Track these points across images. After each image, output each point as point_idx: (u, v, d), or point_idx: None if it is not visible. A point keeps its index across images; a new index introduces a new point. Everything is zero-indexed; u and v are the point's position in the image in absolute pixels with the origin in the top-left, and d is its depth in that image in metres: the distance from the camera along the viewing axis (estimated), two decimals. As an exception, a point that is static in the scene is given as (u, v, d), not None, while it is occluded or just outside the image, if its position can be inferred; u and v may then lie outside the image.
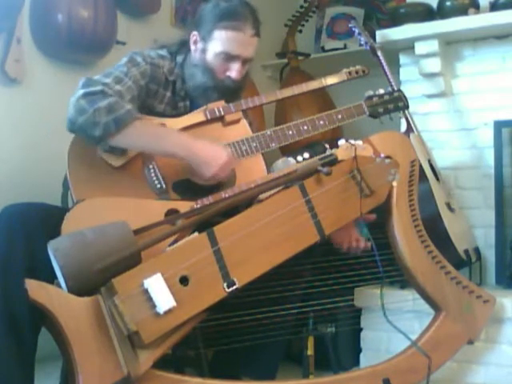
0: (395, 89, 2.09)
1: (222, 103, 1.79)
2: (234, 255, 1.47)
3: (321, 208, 1.61)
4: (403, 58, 2.50)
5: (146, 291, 1.35)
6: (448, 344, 1.74)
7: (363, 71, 1.99)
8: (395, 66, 2.46)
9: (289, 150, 1.89)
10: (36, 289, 1.33)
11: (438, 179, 2.17)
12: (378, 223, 1.80)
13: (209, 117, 1.77)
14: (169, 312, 1.35)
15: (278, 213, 1.56)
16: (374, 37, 2.38)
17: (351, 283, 1.79)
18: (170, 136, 1.65)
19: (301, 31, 3.39)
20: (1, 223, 1.50)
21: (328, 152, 1.70)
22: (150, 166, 1.69)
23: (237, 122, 1.80)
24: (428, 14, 2.40)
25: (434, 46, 2.33)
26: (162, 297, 1.35)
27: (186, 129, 1.74)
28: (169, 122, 1.74)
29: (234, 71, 1.78)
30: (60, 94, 2.37)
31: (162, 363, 1.41)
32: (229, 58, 1.77)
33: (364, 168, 1.69)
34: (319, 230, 1.60)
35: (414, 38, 2.35)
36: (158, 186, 1.67)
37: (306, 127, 1.82)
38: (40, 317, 1.40)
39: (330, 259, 1.77)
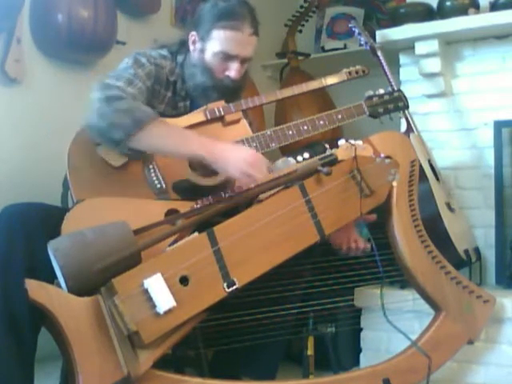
0: (395, 89, 2.09)
1: (222, 103, 1.79)
2: (234, 255, 1.47)
3: (321, 208, 1.61)
4: (403, 58, 2.50)
5: (145, 291, 1.35)
6: (448, 344, 1.74)
7: (363, 71, 1.99)
8: (395, 66, 2.46)
9: (289, 150, 1.89)
10: (36, 289, 1.33)
11: (438, 179, 2.17)
12: (378, 223, 1.80)
13: (209, 117, 1.77)
14: (169, 312, 1.35)
15: (278, 213, 1.56)
16: (374, 37, 2.38)
17: (351, 283, 1.79)
18: (191, 137, 1.62)
19: (301, 31, 3.39)
20: (1, 223, 1.50)
21: (328, 152, 1.70)
22: (150, 166, 1.69)
23: (237, 121, 1.80)
24: (428, 14, 2.40)
25: (433, 46, 2.33)
26: (162, 297, 1.35)
27: (185, 129, 1.74)
28: (169, 121, 1.74)
29: (233, 71, 1.78)
30: (60, 94, 2.39)
31: (162, 363, 1.41)
32: (227, 57, 1.77)
33: (364, 168, 1.69)
34: (319, 229, 1.60)
35: (414, 38, 2.35)
36: (158, 186, 1.67)
37: (305, 127, 1.82)
38: (40, 317, 1.40)
39: (330, 259, 1.77)
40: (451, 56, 2.42)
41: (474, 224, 2.32)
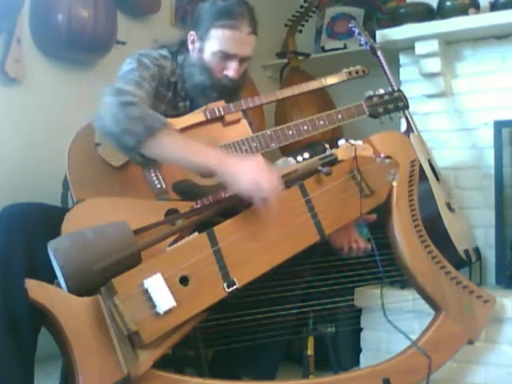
0: (395, 89, 2.09)
1: (221, 103, 1.79)
2: (234, 255, 1.47)
3: (321, 208, 1.61)
4: (403, 58, 2.50)
5: (146, 291, 1.35)
6: (448, 344, 1.74)
7: (363, 71, 1.99)
8: (395, 66, 2.46)
9: (289, 150, 1.89)
10: (36, 289, 1.33)
11: (438, 179, 2.17)
12: (378, 223, 1.80)
13: (209, 117, 1.77)
14: (169, 312, 1.35)
15: (278, 213, 1.56)
16: (374, 37, 2.38)
17: (351, 283, 1.79)
18: (203, 149, 1.56)
19: (301, 31, 3.39)
20: (1, 223, 1.50)
21: (328, 152, 1.70)
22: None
23: (237, 121, 1.80)
24: (428, 14, 2.40)
25: (433, 46, 2.33)
26: (162, 297, 1.35)
27: (186, 129, 1.74)
28: (169, 121, 1.74)
29: (232, 70, 1.78)
30: (60, 94, 2.39)
31: (162, 363, 1.41)
32: (226, 56, 1.77)
33: (364, 168, 1.69)
34: (319, 229, 1.60)
35: (414, 37, 2.35)
36: (158, 186, 1.67)
37: (305, 127, 1.82)
38: (40, 317, 1.40)
39: (330, 259, 1.77)
40: (451, 56, 2.42)
41: (474, 224, 2.32)
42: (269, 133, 1.79)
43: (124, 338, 1.33)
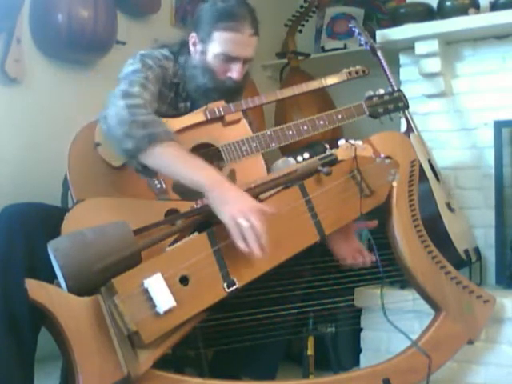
0: (395, 89, 2.08)
1: (222, 103, 1.79)
2: (234, 255, 1.47)
3: (321, 208, 1.61)
4: (403, 58, 2.50)
5: (146, 291, 1.35)
6: (448, 344, 1.74)
7: (363, 71, 1.99)
8: (395, 66, 2.46)
9: (289, 150, 1.89)
10: (36, 288, 1.33)
11: (438, 179, 2.17)
12: (378, 223, 1.80)
13: (209, 117, 1.77)
14: (169, 312, 1.35)
15: (278, 213, 1.56)
16: (374, 37, 2.38)
17: (351, 283, 1.79)
18: (202, 166, 1.51)
19: (301, 31, 3.39)
20: (1, 223, 1.50)
21: (328, 152, 1.70)
22: (150, 166, 1.68)
23: (237, 122, 1.80)
24: (428, 14, 2.40)
25: (433, 46, 2.33)
26: (162, 297, 1.35)
27: (186, 129, 1.74)
28: (169, 121, 1.74)
29: (235, 72, 1.78)
30: (60, 93, 2.39)
31: (162, 363, 1.41)
32: (228, 59, 1.77)
33: (364, 168, 1.69)
34: (319, 229, 1.60)
35: (414, 37, 2.35)
36: (158, 186, 1.67)
37: (305, 127, 1.82)
38: (40, 317, 1.40)
39: (330, 259, 1.77)
40: (451, 56, 2.42)
41: (474, 224, 2.32)
42: (269, 133, 1.79)
43: (124, 338, 1.33)
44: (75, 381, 1.31)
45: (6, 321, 1.43)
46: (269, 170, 1.79)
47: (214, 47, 1.76)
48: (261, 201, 1.60)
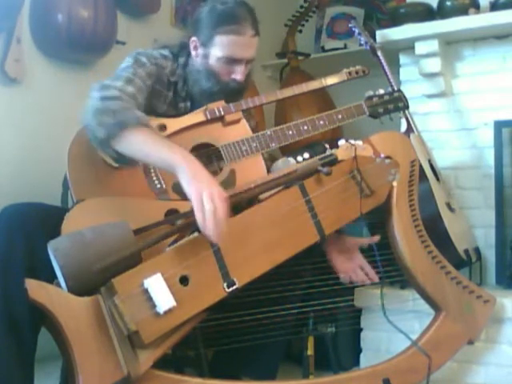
0: (395, 89, 2.08)
1: (222, 103, 1.79)
2: (233, 255, 1.47)
3: (321, 208, 1.61)
4: (403, 58, 2.50)
5: (146, 291, 1.35)
6: (448, 344, 1.74)
7: (363, 71, 1.99)
8: (395, 66, 2.46)
9: (289, 150, 1.89)
10: (36, 288, 1.33)
11: (438, 179, 2.17)
12: (378, 223, 1.80)
13: (209, 117, 1.77)
14: (169, 312, 1.35)
15: (278, 213, 1.56)
16: (374, 37, 2.38)
17: (351, 283, 1.79)
18: (174, 147, 1.52)
19: (301, 31, 3.39)
20: (1, 223, 1.50)
21: (328, 152, 1.70)
22: (150, 166, 1.69)
23: (237, 122, 1.80)
24: (428, 14, 2.40)
25: (434, 46, 2.33)
26: (162, 297, 1.35)
27: (186, 129, 1.74)
28: (169, 122, 1.74)
29: (239, 74, 1.77)
30: (60, 93, 2.39)
31: (162, 363, 1.41)
32: (231, 61, 1.76)
33: (364, 168, 1.69)
34: (319, 229, 1.60)
35: (414, 37, 2.35)
36: (158, 186, 1.67)
37: (306, 127, 1.82)
38: (40, 317, 1.40)
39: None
40: (451, 56, 2.42)
41: (474, 224, 2.32)
42: (269, 133, 1.79)
43: (124, 338, 1.33)
44: (75, 381, 1.31)
45: (6, 321, 1.43)
46: (269, 170, 1.79)
47: (217, 51, 1.76)
48: (261, 201, 1.60)
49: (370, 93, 1.94)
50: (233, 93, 1.80)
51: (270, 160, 1.86)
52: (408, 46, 2.42)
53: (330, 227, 1.62)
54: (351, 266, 1.78)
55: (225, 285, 1.44)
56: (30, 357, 1.49)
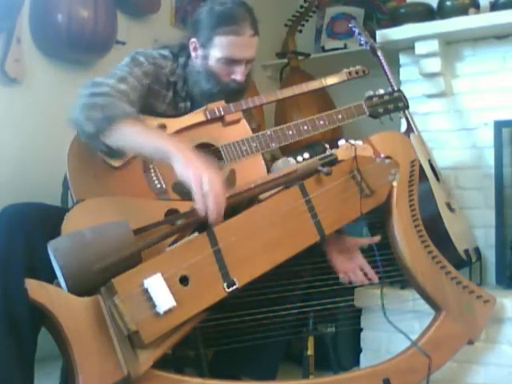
0: (395, 89, 2.09)
1: (222, 103, 1.79)
2: (234, 255, 1.47)
3: (321, 208, 1.61)
4: (403, 58, 2.50)
5: (145, 291, 1.35)
6: (448, 344, 1.74)
7: (363, 71, 1.99)
8: (395, 66, 2.46)
9: (289, 150, 1.89)
10: (36, 288, 1.33)
11: (438, 179, 2.17)
12: (378, 223, 1.80)
13: (209, 117, 1.77)
14: (169, 312, 1.35)
15: (278, 213, 1.56)
16: (374, 37, 2.38)
17: (351, 283, 1.79)
18: (165, 135, 1.61)
19: (301, 31, 3.39)
20: (1, 223, 1.50)
21: (328, 152, 1.70)
22: (150, 166, 1.69)
23: (237, 121, 1.80)
24: (428, 14, 2.40)
25: (434, 46, 2.33)
26: (162, 297, 1.35)
27: (186, 129, 1.74)
28: (169, 122, 1.74)
29: (239, 74, 1.77)
30: (60, 94, 2.39)
31: (162, 363, 1.41)
32: (231, 62, 1.76)
33: (364, 168, 1.69)
34: (319, 229, 1.60)
35: (414, 37, 2.35)
36: (158, 185, 1.67)
37: (306, 127, 1.82)
38: (40, 317, 1.40)
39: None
40: (451, 56, 2.42)
41: (474, 224, 2.32)
42: (269, 133, 1.79)
43: (124, 338, 1.33)
44: (75, 381, 1.31)
45: (6, 321, 1.43)
46: (269, 170, 1.79)
47: (216, 52, 1.76)
48: (261, 201, 1.60)
49: (370, 93, 1.94)
50: (233, 93, 1.80)
51: (272, 161, 1.86)
52: (408, 46, 2.42)
53: (330, 227, 1.62)
54: (351, 266, 1.77)
55: (225, 285, 1.44)
56: (30, 357, 1.49)
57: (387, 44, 2.39)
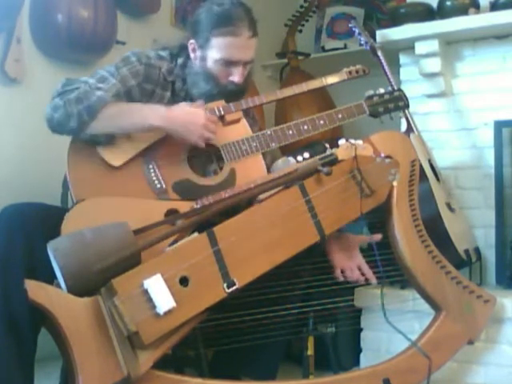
0: (395, 88, 2.08)
1: (221, 103, 1.78)
2: (233, 255, 1.47)
3: (321, 208, 1.61)
4: (403, 58, 2.50)
5: (145, 292, 1.35)
6: (448, 344, 1.73)
7: (363, 71, 1.98)
8: (395, 65, 2.46)
9: (289, 150, 1.89)
10: (35, 289, 1.33)
11: (438, 179, 2.17)
12: (379, 222, 1.80)
13: (209, 116, 1.77)
14: (169, 313, 1.35)
15: (278, 213, 1.56)
16: (374, 37, 2.38)
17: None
18: (144, 109, 1.66)
19: (301, 31, 3.39)
20: (1, 223, 1.50)
21: (328, 152, 1.70)
22: (150, 166, 1.69)
23: (237, 121, 1.79)
24: (428, 14, 2.40)
25: (434, 45, 2.33)
26: (162, 297, 1.35)
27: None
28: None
29: (237, 76, 1.77)
30: (60, 93, 2.38)
31: (162, 363, 1.41)
32: (229, 63, 1.76)
33: (364, 168, 1.69)
34: (319, 229, 1.60)
35: (414, 37, 2.35)
36: (158, 185, 1.67)
37: (306, 127, 1.81)
38: (40, 317, 1.40)
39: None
40: (451, 56, 2.42)
41: (474, 224, 2.32)
42: (269, 133, 1.79)
43: (124, 339, 1.33)
44: (75, 381, 1.31)
45: (6, 321, 1.44)
46: (269, 170, 1.79)
47: (214, 53, 1.75)
48: (261, 201, 1.60)
49: (371, 92, 1.94)
50: (232, 95, 1.79)
51: (272, 162, 1.86)
52: (408, 45, 2.42)
53: (330, 227, 1.62)
54: (349, 264, 1.77)
55: (225, 285, 1.44)
56: (30, 357, 1.49)
57: (387, 44, 2.39)
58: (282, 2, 3.48)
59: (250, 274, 1.48)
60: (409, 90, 2.32)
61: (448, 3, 2.34)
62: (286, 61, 3.33)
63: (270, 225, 1.54)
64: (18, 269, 1.45)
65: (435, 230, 1.93)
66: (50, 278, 1.40)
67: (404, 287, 2.07)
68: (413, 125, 2.19)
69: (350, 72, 1.97)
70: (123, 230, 1.42)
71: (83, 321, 1.33)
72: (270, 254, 1.52)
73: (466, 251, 2.10)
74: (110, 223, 1.43)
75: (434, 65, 2.36)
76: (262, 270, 1.50)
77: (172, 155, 1.70)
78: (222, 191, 1.64)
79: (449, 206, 2.16)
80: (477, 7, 2.30)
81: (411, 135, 2.16)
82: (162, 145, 1.70)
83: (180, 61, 1.84)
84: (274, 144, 1.78)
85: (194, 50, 1.81)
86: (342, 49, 3.33)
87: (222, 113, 1.77)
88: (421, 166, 1.98)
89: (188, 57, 1.83)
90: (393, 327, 1.63)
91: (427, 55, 2.36)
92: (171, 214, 1.58)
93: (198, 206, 1.60)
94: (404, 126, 2.24)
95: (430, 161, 2.18)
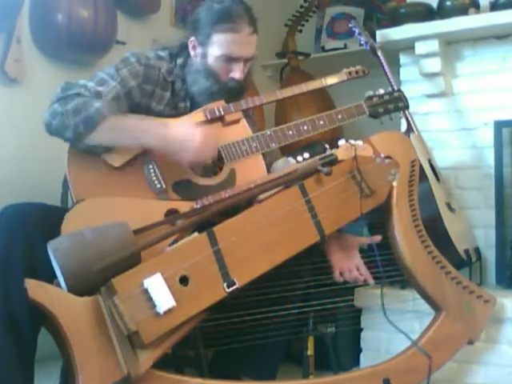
0: (395, 89, 2.08)
1: (221, 103, 1.78)
2: (233, 255, 1.47)
3: (321, 208, 1.61)
4: (403, 58, 2.50)
5: (145, 291, 1.35)
6: (448, 344, 1.74)
7: (363, 71, 1.98)
8: (395, 66, 2.46)
9: (289, 150, 1.89)
10: (35, 288, 1.33)
11: (438, 179, 2.17)
12: (379, 223, 1.80)
13: (209, 117, 1.77)
14: (169, 312, 1.35)
15: (278, 213, 1.56)
16: (374, 37, 2.38)
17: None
18: (141, 128, 1.65)
19: (301, 31, 3.39)
20: (1, 223, 1.50)
21: (328, 152, 1.70)
22: (150, 166, 1.68)
23: (237, 121, 1.79)
24: (428, 14, 2.40)
25: (434, 45, 2.33)
26: (162, 297, 1.35)
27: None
28: (169, 122, 1.74)
29: (237, 72, 1.77)
30: (60, 93, 2.38)
31: (162, 363, 1.41)
32: (230, 60, 1.76)
33: (364, 168, 1.69)
34: (319, 229, 1.60)
35: (414, 37, 2.35)
36: (158, 185, 1.67)
37: (306, 127, 1.81)
38: (40, 317, 1.40)
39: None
40: (451, 56, 2.42)
41: (474, 224, 2.32)
42: (269, 133, 1.78)
43: (124, 338, 1.33)
44: (75, 381, 1.31)
45: (5, 321, 1.43)
46: (269, 170, 1.79)
47: (214, 50, 1.76)
48: (261, 201, 1.60)
49: (370, 93, 1.94)
50: (232, 92, 1.80)
51: (272, 162, 1.86)
52: (408, 46, 2.42)
53: (330, 227, 1.62)
54: (348, 265, 1.77)
55: (225, 285, 1.44)
56: (30, 357, 1.49)
57: (387, 44, 2.39)
58: (282, 2, 3.48)
59: (249, 274, 1.48)
60: (409, 90, 2.33)
61: (448, 3, 2.34)
62: (285, 61, 3.33)
63: (270, 225, 1.54)
64: (17, 269, 1.45)
65: (435, 230, 1.93)
66: (50, 278, 1.40)
67: (404, 287, 2.07)
68: (413, 125, 2.19)
69: (349, 73, 1.97)
70: (123, 229, 1.42)
71: (83, 320, 1.33)
72: (269, 253, 1.52)
73: (466, 251, 2.11)
74: (110, 223, 1.43)
75: (434, 65, 2.36)
76: (262, 270, 1.50)
77: (172, 155, 1.70)
78: (221, 191, 1.64)
79: (449, 206, 2.16)
80: (477, 7, 2.31)
81: (411, 135, 2.16)
82: (162, 145, 1.69)
83: (179, 61, 1.84)
84: (273, 144, 1.78)
85: (194, 48, 1.81)
86: (342, 49, 3.33)
87: (222, 113, 1.77)
88: (421, 166, 1.98)
89: (188, 56, 1.84)
90: (394, 327, 1.63)
91: (427, 55, 2.36)
92: (171, 214, 1.58)
93: (198, 206, 1.60)
94: (404, 126, 2.24)
95: (430, 161, 2.18)
